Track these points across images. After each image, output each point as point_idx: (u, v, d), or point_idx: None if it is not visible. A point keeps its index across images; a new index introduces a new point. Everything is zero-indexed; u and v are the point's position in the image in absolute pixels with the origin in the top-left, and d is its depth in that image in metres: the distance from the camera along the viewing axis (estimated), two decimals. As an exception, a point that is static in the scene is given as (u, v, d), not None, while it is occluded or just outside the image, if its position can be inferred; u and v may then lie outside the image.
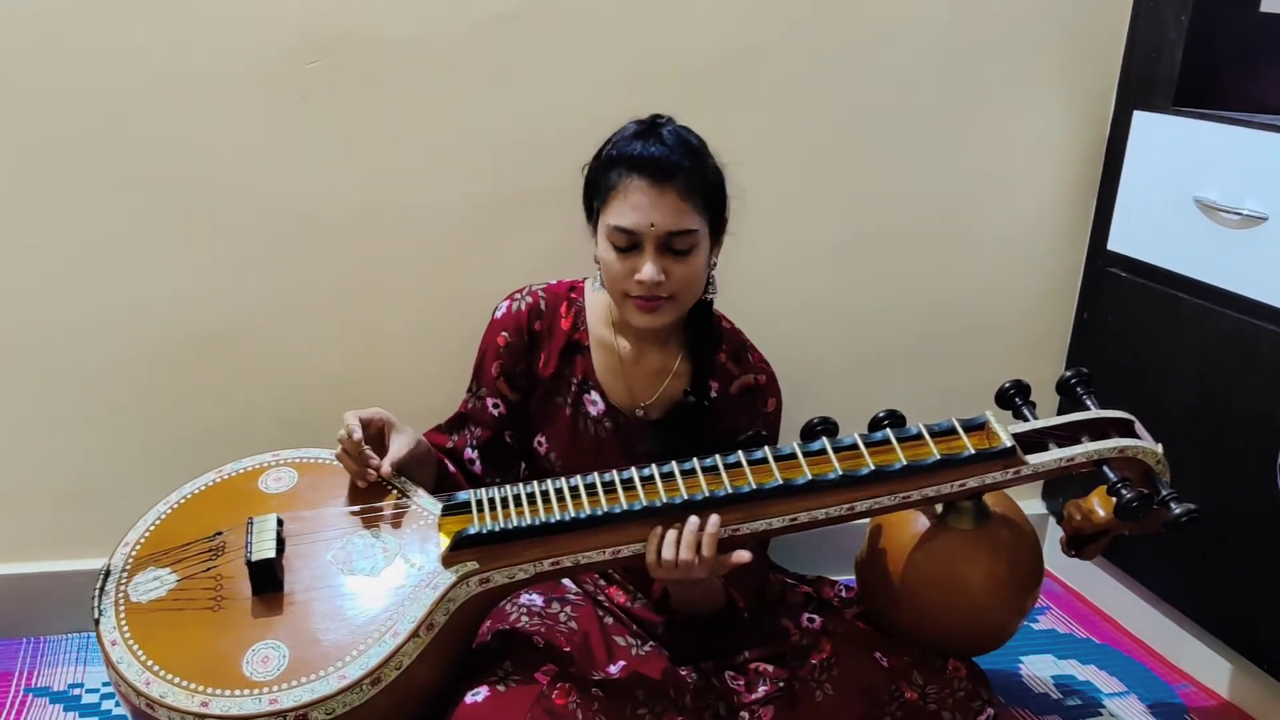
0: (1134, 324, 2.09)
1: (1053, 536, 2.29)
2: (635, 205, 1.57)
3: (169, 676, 1.35)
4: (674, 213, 1.57)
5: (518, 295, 1.75)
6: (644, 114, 1.72)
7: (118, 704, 1.79)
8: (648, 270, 1.57)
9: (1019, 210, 2.22)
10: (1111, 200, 2.12)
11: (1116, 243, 2.12)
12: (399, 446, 1.59)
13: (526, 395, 1.76)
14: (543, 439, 1.76)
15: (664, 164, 1.57)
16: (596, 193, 1.64)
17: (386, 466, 1.56)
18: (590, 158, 1.67)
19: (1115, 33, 2.13)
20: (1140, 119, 2.05)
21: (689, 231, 1.59)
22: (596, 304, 1.75)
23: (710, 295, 1.71)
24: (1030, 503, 2.34)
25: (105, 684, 1.85)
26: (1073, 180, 2.22)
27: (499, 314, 1.75)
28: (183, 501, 1.58)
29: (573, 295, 1.76)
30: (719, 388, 1.75)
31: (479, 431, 1.76)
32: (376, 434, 1.60)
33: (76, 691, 1.85)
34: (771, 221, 2.07)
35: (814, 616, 1.72)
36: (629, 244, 1.58)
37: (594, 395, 1.73)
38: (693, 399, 1.72)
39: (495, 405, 1.75)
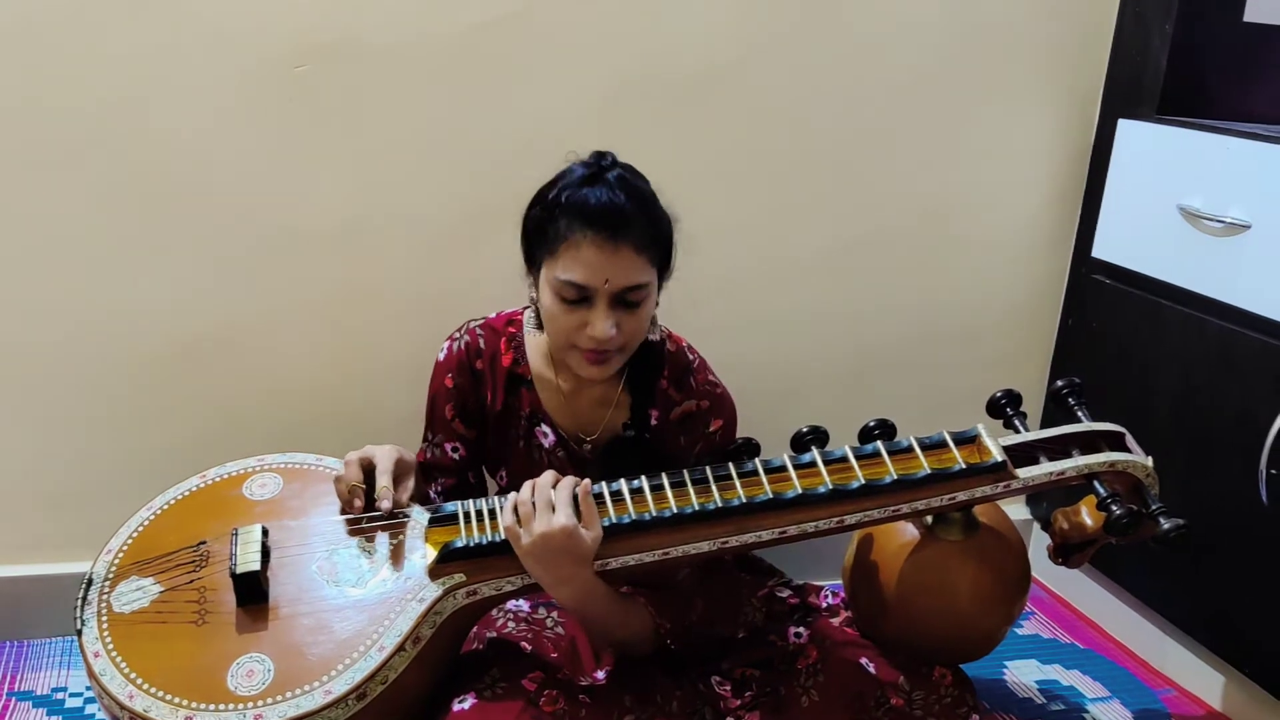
0: (1118, 331, 2.10)
1: (1037, 541, 2.30)
2: (588, 262, 1.51)
3: (152, 690, 1.34)
4: (628, 268, 1.52)
5: (456, 335, 1.72)
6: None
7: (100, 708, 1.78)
8: (603, 328, 1.52)
9: (1004, 217, 2.23)
10: (1096, 207, 2.13)
11: (1101, 250, 2.12)
12: (409, 493, 1.57)
13: (482, 431, 1.73)
14: (504, 473, 1.74)
15: (617, 217, 1.51)
16: (541, 240, 1.56)
17: (388, 504, 1.54)
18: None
19: (1100, 41, 2.14)
20: (1125, 127, 2.06)
21: (642, 285, 1.55)
22: (534, 342, 1.71)
23: (655, 336, 1.69)
24: (1014, 507, 2.35)
25: (89, 688, 1.83)
26: (1058, 187, 2.22)
27: (441, 357, 1.71)
28: (166, 507, 1.57)
29: (510, 330, 1.72)
30: (659, 415, 1.71)
31: (443, 480, 1.72)
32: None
33: (60, 696, 1.83)
34: (757, 229, 2.07)
35: (800, 631, 1.72)
36: (579, 298, 1.53)
37: (544, 427, 1.71)
38: (630, 433, 1.70)
39: (454, 449, 1.71)
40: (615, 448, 1.71)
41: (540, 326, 1.65)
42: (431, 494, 1.71)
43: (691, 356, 1.74)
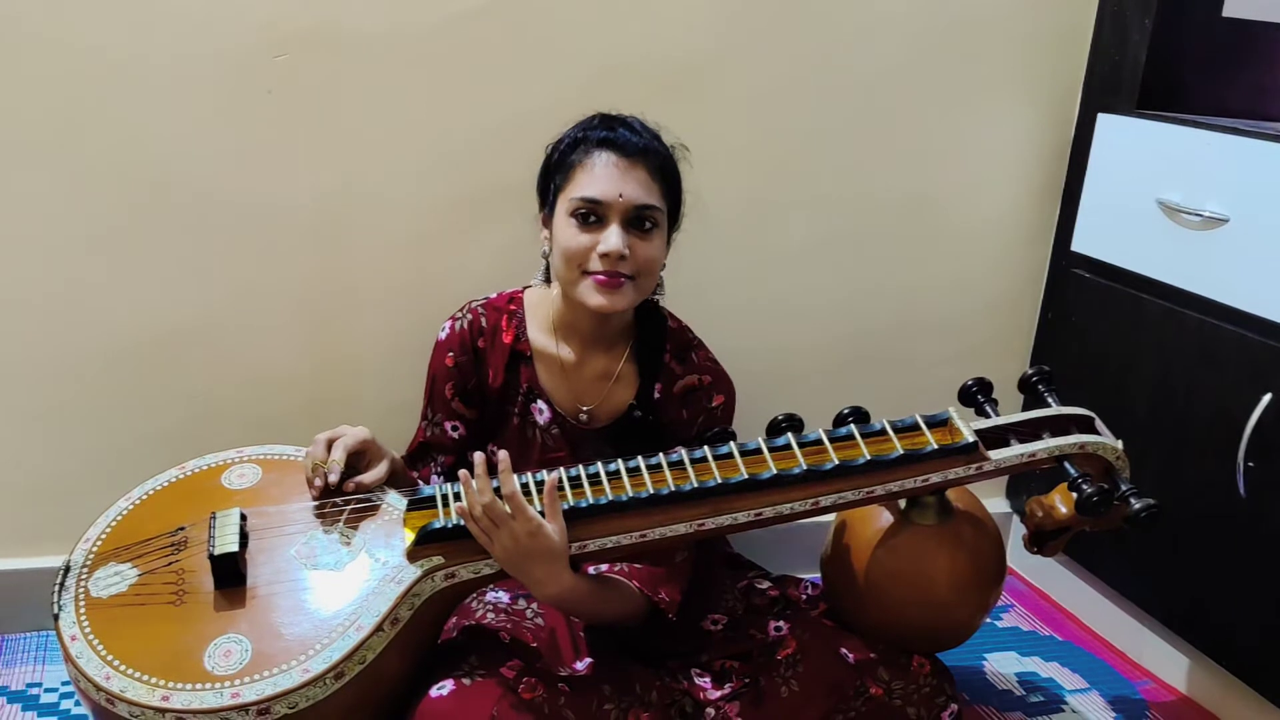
0: (1097, 324, 2.11)
1: (1017, 534, 2.31)
2: (604, 176, 1.58)
3: (129, 671, 1.33)
4: (642, 187, 1.59)
5: (459, 315, 1.74)
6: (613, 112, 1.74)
7: (77, 703, 1.77)
8: (614, 240, 1.56)
9: (984, 211, 2.24)
10: (1076, 201, 2.14)
11: (1080, 243, 2.13)
12: (375, 475, 1.56)
13: (482, 410, 1.75)
14: (493, 448, 1.74)
15: (634, 143, 1.61)
16: (558, 170, 1.64)
17: (351, 484, 1.54)
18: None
19: (1080, 36, 2.15)
20: (1104, 121, 2.07)
21: (654, 208, 1.60)
22: (536, 310, 1.74)
23: (658, 295, 1.72)
24: (994, 500, 2.36)
25: (64, 683, 1.83)
26: (1037, 181, 2.24)
27: (443, 336, 1.73)
28: (145, 497, 1.57)
29: (512, 307, 1.75)
30: (662, 389, 1.74)
31: (443, 459, 1.74)
32: (356, 455, 1.57)
33: (35, 691, 1.83)
34: (739, 220, 2.08)
35: (781, 625, 1.71)
36: (593, 216, 1.58)
37: (540, 404, 1.72)
38: (638, 413, 1.72)
39: (454, 428, 1.73)
40: (620, 427, 1.73)
41: (549, 280, 1.67)
42: (432, 473, 1.73)
43: (691, 335, 1.79)
